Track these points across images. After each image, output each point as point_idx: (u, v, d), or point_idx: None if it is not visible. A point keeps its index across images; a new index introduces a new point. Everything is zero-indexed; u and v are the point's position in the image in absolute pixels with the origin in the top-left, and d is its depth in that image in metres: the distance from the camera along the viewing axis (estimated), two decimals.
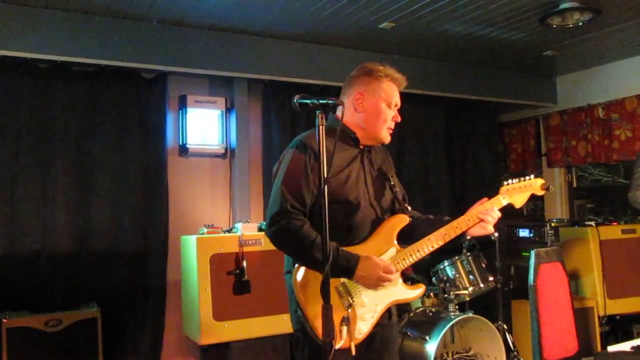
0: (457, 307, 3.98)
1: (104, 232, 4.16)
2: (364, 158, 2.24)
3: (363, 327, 2.06)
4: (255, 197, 4.78)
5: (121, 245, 4.20)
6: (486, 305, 4.47)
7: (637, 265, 4.76)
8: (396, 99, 2.24)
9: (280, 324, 3.74)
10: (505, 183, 2.29)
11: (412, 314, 3.95)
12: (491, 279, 4.16)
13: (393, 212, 2.28)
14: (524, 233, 5.23)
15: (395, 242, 2.16)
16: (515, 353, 4.17)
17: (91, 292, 4.02)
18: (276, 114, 4.86)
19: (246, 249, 3.85)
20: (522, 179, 2.30)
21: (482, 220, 2.18)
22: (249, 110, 4.79)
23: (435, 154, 5.71)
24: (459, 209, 2.27)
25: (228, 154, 4.79)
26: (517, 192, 2.28)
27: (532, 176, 2.31)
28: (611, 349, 3.31)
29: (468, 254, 4.13)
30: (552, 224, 5.04)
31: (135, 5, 3.84)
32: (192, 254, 3.82)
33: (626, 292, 4.72)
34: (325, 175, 1.83)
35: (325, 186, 1.82)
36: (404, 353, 3.72)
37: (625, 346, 3.05)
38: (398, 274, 2.13)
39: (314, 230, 2.01)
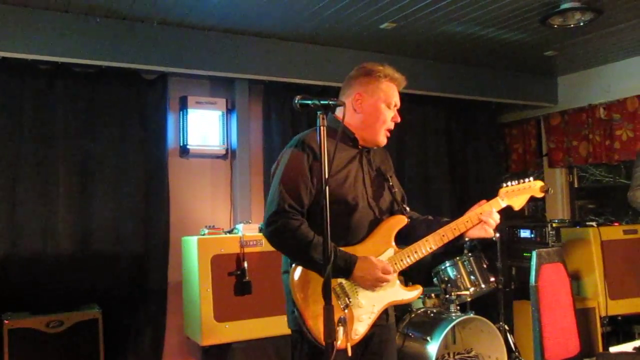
0: (458, 307, 3.97)
1: (105, 233, 4.17)
2: (362, 158, 2.22)
3: (360, 328, 2.05)
4: (256, 198, 4.78)
5: (122, 246, 4.21)
6: (487, 306, 4.47)
7: (639, 265, 4.75)
8: (395, 99, 2.21)
9: (282, 325, 3.65)
10: (504, 185, 2.28)
11: (413, 315, 3.94)
12: (492, 279, 4.15)
13: (391, 212, 2.27)
14: (525, 233, 5.23)
15: (393, 243, 2.15)
16: (516, 354, 4.17)
17: (92, 293, 4.02)
18: (277, 115, 4.86)
19: (247, 249, 3.85)
20: (522, 180, 2.29)
21: (482, 222, 2.16)
22: (249, 111, 4.80)
23: (436, 154, 5.70)
24: (460, 210, 2.26)
25: (229, 154, 4.79)
26: (516, 194, 2.27)
27: (531, 178, 2.31)
28: (613, 349, 3.31)
29: (469, 254, 4.13)
30: (554, 225, 5.05)
31: (136, 7, 3.84)
32: (193, 255, 3.82)
33: (628, 293, 4.71)
34: (327, 176, 1.82)
35: (327, 187, 1.80)
36: (405, 354, 3.72)
37: (628, 347, 3.05)
38: (396, 275, 2.12)
39: (311, 230, 2.01)
